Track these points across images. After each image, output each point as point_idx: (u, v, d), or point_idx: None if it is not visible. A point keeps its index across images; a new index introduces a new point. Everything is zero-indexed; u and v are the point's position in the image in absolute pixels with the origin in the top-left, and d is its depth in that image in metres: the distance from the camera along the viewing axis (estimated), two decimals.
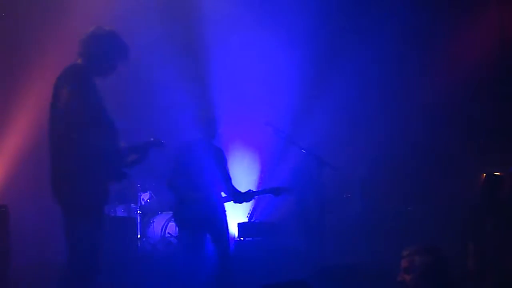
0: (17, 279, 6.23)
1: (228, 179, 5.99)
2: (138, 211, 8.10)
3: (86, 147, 3.84)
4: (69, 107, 3.82)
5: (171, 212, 8.49)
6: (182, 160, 5.71)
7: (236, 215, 8.03)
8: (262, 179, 8.81)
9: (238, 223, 7.80)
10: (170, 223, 8.27)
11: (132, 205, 8.33)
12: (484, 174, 6.56)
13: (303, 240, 7.69)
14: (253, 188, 6.41)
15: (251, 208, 8.44)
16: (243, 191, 6.03)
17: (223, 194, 5.95)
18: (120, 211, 8.36)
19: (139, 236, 7.96)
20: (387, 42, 8.46)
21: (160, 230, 8.35)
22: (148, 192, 8.53)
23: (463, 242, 5.37)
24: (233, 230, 7.60)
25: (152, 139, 4.51)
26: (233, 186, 6.03)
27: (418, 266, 3.53)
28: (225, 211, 5.92)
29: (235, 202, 6.11)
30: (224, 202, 5.93)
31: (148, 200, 8.49)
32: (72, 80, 3.91)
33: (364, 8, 8.70)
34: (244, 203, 6.34)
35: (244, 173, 8.40)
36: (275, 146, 8.55)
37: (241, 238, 7.60)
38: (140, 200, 8.24)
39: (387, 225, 7.75)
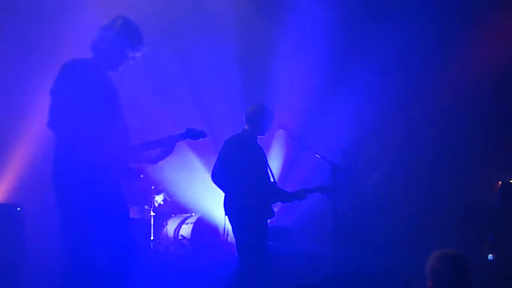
0: (31, 278, 6.27)
1: (273, 177, 5.76)
2: (152, 213, 8.12)
3: (86, 145, 3.67)
4: (61, 103, 3.71)
5: (184, 215, 8.54)
6: (230, 154, 5.51)
7: None
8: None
9: None
10: (183, 225, 8.28)
11: (146, 207, 8.35)
12: (500, 182, 6.51)
13: (317, 246, 7.65)
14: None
15: None
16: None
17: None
18: (134, 213, 8.38)
19: (152, 238, 7.97)
20: (403, 46, 8.43)
21: (173, 233, 8.36)
22: (162, 194, 8.55)
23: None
24: None
25: (188, 129, 4.40)
26: (278, 186, 5.83)
27: (440, 272, 3.50)
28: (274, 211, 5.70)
29: (283, 202, 5.96)
30: (272, 204, 5.68)
31: (162, 202, 8.51)
32: (64, 75, 3.78)
33: (382, 12, 8.67)
34: None
35: None
36: (289, 150, 8.54)
37: None
38: (153, 202, 8.25)
39: (401, 232, 7.70)
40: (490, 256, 6.79)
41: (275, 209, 5.79)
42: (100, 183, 3.75)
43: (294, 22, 8.82)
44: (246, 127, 5.66)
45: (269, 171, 5.75)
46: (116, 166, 3.83)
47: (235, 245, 5.52)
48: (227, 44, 8.89)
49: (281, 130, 6.29)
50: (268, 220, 5.69)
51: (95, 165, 3.69)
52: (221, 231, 8.21)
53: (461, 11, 8.19)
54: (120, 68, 4.08)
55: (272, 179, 5.73)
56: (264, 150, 5.85)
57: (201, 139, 4.58)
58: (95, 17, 7.37)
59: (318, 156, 6.37)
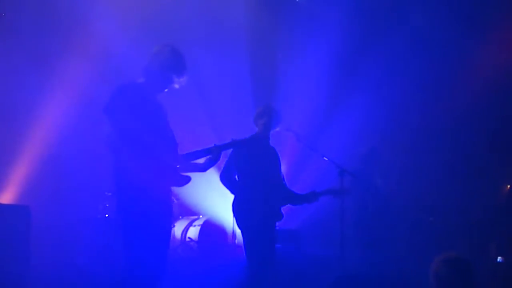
0: (37, 279, 6.28)
1: (284, 180, 5.78)
2: None
3: (143, 159, 4.05)
4: (118, 123, 4.08)
5: (192, 217, 8.54)
6: (239, 155, 5.51)
7: None
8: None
9: None
10: (190, 227, 8.28)
11: None
12: (508, 186, 6.48)
13: (325, 248, 7.64)
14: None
15: None
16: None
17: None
18: None
19: None
20: (415, 50, 8.42)
21: (180, 235, 8.35)
22: None
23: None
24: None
25: (233, 139, 4.75)
26: (289, 188, 5.81)
27: (442, 275, 3.49)
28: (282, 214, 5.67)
29: (293, 204, 5.93)
30: (281, 206, 5.66)
31: None
32: (118, 96, 4.17)
33: (394, 15, 8.66)
34: None
35: None
36: (296, 153, 8.52)
37: None
38: None
39: (410, 235, 7.68)
40: (499, 259, 6.78)
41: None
42: (156, 192, 4.14)
43: (304, 25, 8.83)
44: (257, 129, 5.69)
45: (280, 173, 5.75)
46: (169, 174, 4.24)
47: (243, 246, 5.51)
48: (237, 46, 8.91)
49: (288, 132, 6.29)
50: (277, 223, 5.68)
51: (153, 176, 4.09)
52: (229, 233, 8.20)
53: (474, 15, 8.19)
54: (165, 90, 4.50)
55: (283, 181, 5.73)
56: (278, 152, 5.85)
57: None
58: (108, 25, 7.48)
59: (326, 159, 6.36)
